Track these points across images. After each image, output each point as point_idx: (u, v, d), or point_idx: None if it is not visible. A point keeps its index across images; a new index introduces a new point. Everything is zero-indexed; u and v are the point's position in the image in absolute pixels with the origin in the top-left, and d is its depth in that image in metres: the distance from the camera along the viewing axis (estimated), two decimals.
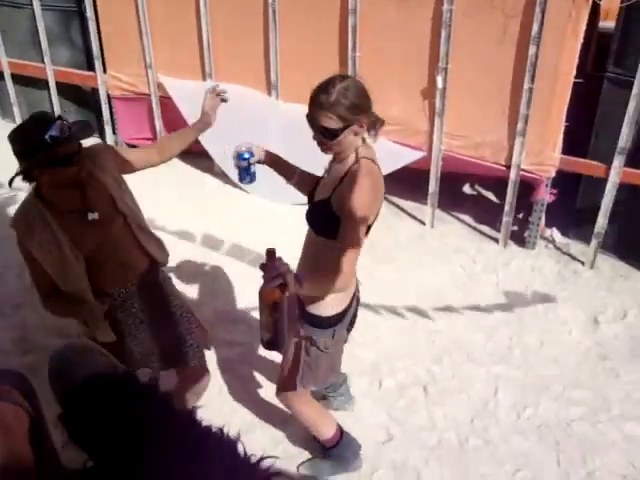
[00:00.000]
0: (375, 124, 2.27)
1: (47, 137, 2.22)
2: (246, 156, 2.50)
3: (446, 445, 3.09)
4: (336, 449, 2.83)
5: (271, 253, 1.98)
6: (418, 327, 3.85)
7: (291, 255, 3.97)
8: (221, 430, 0.81)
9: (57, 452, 1.43)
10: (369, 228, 2.32)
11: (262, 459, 0.80)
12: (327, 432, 2.80)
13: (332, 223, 2.23)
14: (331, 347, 2.48)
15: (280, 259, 1.98)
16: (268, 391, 3.34)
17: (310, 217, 2.41)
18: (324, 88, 2.16)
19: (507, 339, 3.78)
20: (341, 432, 2.84)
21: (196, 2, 4.92)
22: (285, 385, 2.66)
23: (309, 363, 2.51)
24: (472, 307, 4.02)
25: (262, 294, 1.98)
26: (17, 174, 2.34)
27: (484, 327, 3.87)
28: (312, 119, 2.19)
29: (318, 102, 2.15)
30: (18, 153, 2.34)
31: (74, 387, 0.98)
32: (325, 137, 2.18)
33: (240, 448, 0.80)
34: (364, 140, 2.28)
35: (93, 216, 2.44)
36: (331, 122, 2.14)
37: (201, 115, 2.80)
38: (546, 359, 3.63)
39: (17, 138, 2.34)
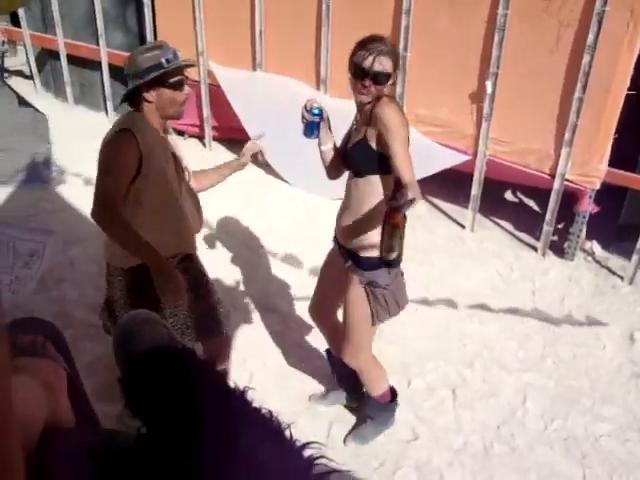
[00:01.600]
0: (395, 80, 2.60)
1: (163, 60, 2.41)
2: (317, 112, 2.60)
3: (471, 449, 3.10)
4: (385, 407, 3.04)
5: (398, 183, 2.15)
6: (451, 329, 3.85)
7: (325, 242, 4.00)
8: (270, 413, 0.84)
9: (94, 410, 1.47)
10: None
11: (308, 444, 0.83)
12: (384, 387, 3.01)
13: (372, 158, 2.48)
14: (391, 282, 2.64)
15: (405, 187, 2.10)
16: (297, 382, 3.39)
17: (350, 160, 2.61)
18: (378, 39, 2.42)
19: (540, 348, 3.75)
20: (392, 390, 3.06)
21: None
22: (354, 342, 2.81)
23: (379, 302, 2.66)
24: (507, 313, 4.01)
25: (392, 219, 2.10)
26: (129, 91, 2.47)
27: (517, 334, 3.85)
28: (365, 65, 2.38)
29: (376, 48, 2.38)
30: (133, 74, 2.45)
31: (136, 355, 1.02)
32: (377, 82, 2.40)
33: (288, 432, 0.83)
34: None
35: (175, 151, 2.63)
36: (388, 66, 2.40)
37: (240, 156, 2.99)
38: (578, 372, 3.61)
39: (134, 60, 2.45)
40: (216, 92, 5.47)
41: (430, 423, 3.22)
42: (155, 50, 2.46)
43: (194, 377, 0.89)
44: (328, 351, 3.19)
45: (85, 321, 3.51)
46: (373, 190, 2.52)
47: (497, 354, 3.68)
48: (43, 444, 0.95)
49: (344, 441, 3.11)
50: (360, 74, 2.41)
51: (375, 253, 2.45)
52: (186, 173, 2.74)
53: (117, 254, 2.58)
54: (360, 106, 2.56)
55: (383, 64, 2.39)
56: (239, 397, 0.84)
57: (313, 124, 2.62)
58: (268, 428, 0.81)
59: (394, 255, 2.21)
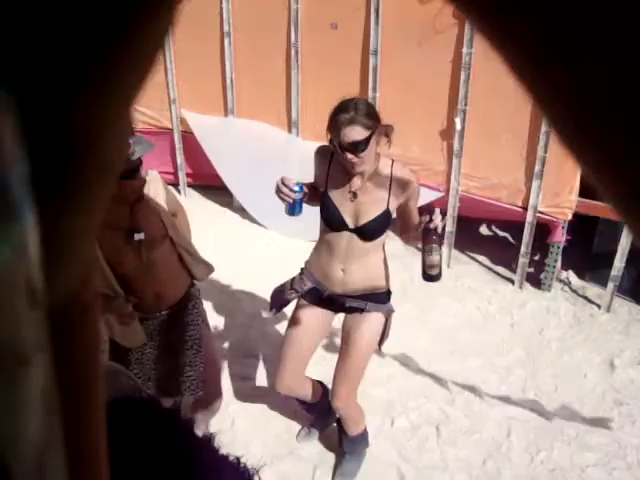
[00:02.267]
0: (388, 131, 2.48)
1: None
2: (299, 189, 2.52)
3: None
4: (364, 436, 3.07)
5: (431, 209, 2.42)
6: (432, 367, 3.83)
7: None
8: (238, 460, 0.83)
9: None
10: None
11: None
12: (363, 423, 3.06)
13: (387, 222, 2.60)
14: None
15: (437, 210, 2.41)
16: (278, 426, 3.35)
17: (367, 233, 2.60)
18: (341, 109, 2.38)
19: (521, 381, 3.75)
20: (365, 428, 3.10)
21: (221, 40, 5.05)
22: (355, 383, 2.87)
23: (388, 331, 2.87)
24: (486, 348, 4.01)
25: (430, 239, 2.46)
26: None
27: (498, 368, 3.85)
28: (339, 140, 2.35)
29: (340, 121, 2.33)
30: None
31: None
32: (356, 151, 2.35)
33: (257, 479, 0.82)
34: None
35: (139, 237, 2.47)
36: (360, 133, 2.32)
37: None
38: (560, 402, 3.60)
39: None
40: (189, 139, 5.51)
41: (415, 462, 3.19)
42: None
43: (159, 426, 0.87)
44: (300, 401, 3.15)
45: None
46: (376, 246, 2.67)
47: (479, 389, 3.67)
48: None
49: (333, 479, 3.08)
50: (341, 151, 2.38)
51: (388, 285, 2.79)
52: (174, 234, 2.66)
53: None
54: (362, 174, 2.52)
55: (354, 135, 2.33)
56: (206, 444, 0.83)
57: (297, 202, 2.54)
58: (236, 475, 0.80)
59: (436, 271, 2.52)
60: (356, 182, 2.54)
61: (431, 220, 2.39)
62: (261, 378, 3.70)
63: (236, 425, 3.32)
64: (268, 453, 3.16)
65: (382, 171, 2.53)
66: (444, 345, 4.02)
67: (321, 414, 3.14)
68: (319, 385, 3.08)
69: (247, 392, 3.57)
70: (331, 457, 3.20)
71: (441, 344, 4.02)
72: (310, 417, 3.26)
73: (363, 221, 2.57)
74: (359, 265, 2.66)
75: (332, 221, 2.61)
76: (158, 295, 2.64)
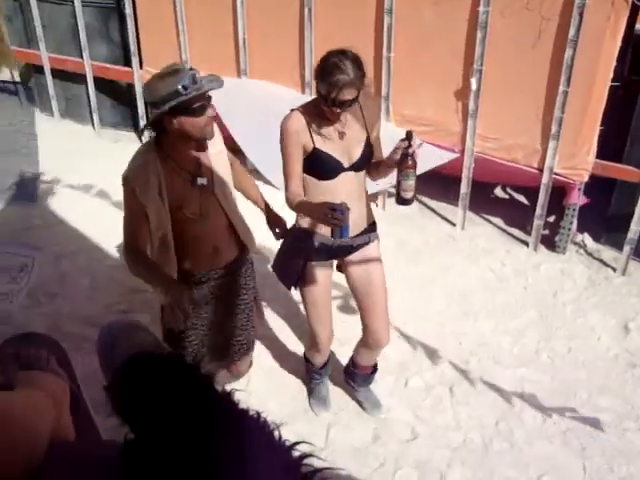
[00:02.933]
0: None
1: (179, 86, 2.27)
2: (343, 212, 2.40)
3: (470, 446, 3.09)
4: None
5: (409, 134, 2.46)
6: (445, 328, 3.84)
7: None
8: (258, 414, 0.84)
9: (94, 423, 1.47)
10: None
11: (297, 444, 0.82)
12: None
13: (371, 152, 2.69)
14: None
15: (414, 140, 2.47)
16: (293, 386, 3.38)
17: (361, 164, 2.68)
18: (339, 67, 2.42)
19: (535, 343, 3.76)
20: None
21: (233, 0, 4.97)
22: (387, 315, 2.97)
23: None
24: (500, 310, 4.01)
25: (406, 164, 2.48)
26: (150, 121, 2.43)
27: (512, 330, 3.85)
28: (334, 97, 2.44)
29: (340, 81, 2.40)
30: (151, 102, 2.37)
31: (121, 361, 1.02)
32: (346, 107, 2.48)
33: (277, 433, 0.83)
34: None
35: (202, 181, 2.53)
36: (353, 94, 2.44)
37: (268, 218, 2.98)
38: (574, 364, 3.61)
39: (151, 88, 2.38)
40: None
41: (429, 421, 3.22)
42: (171, 76, 2.33)
43: (179, 381, 0.88)
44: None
45: (78, 335, 3.50)
46: (364, 174, 2.76)
47: (492, 350, 3.68)
48: (48, 456, 0.94)
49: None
50: (333, 105, 2.47)
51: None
52: (222, 188, 2.66)
53: None
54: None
55: (348, 96, 2.43)
56: (226, 399, 0.84)
57: (345, 226, 2.43)
58: (256, 429, 0.81)
59: (410, 194, 2.56)
60: (340, 121, 2.61)
61: (410, 145, 2.45)
62: (275, 338, 3.73)
63: (251, 385, 3.36)
64: (283, 412, 3.20)
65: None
66: (458, 306, 4.02)
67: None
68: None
69: (261, 352, 3.60)
70: (345, 417, 3.24)
71: (455, 305, 4.03)
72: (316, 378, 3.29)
73: (355, 156, 2.65)
74: (359, 201, 2.74)
75: (330, 169, 2.65)
76: (216, 249, 2.68)
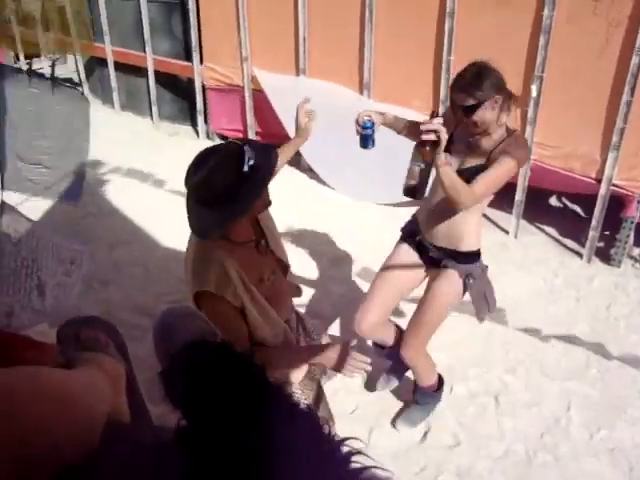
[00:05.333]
0: (509, 99, 2.58)
1: (246, 167, 1.93)
2: (369, 125, 2.64)
3: (513, 457, 3.05)
4: (435, 393, 3.18)
5: (434, 113, 2.37)
6: (494, 336, 3.80)
7: (371, 247, 3.99)
8: (309, 408, 0.85)
9: (147, 409, 1.51)
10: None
11: (346, 440, 0.83)
12: (434, 378, 3.14)
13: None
14: (485, 276, 2.89)
15: (440, 120, 2.32)
16: (336, 385, 3.39)
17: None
18: (460, 74, 2.55)
19: (584, 356, 3.68)
20: (440, 380, 3.19)
21: None
22: (424, 337, 2.96)
23: (479, 296, 2.87)
24: (550, 320, 3.94)
25: (417, 145, 2.37)
26: (224, 225, 2.03)
27: (561, 342, 3.78)
28: (452, 102, 2.54)
29: (457, 86, 2.51)
30: (213, 201, 1.96)
31: (177, 348, 1.04)
32: (465, 114, 2.49)
33: (325, 428, 0.84)
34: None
35: (263, 243, 2.35)
36: (468, 100, 2.46)
37: (298, 130, 2.70)
38: (624, 380, 3.52)
39: (209, 186, 1.96)
40: (260, 98, 5.52)
41: (472, 430, 3.19)
42: (230, 166, 1.95)
43: (232, 370, 0.90)
44: (378, 345, 3.30)
45: (129, 322, 3.57)
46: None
47: (540, 361, 3.62)
48: (104, 436, 0.97)
49: (392, 423, 3.21)
50: (454, 112, 2.57)
51: (471, 247, 2.77)
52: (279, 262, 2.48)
53: None
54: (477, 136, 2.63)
55: (460, 99, 2.48)
56: (277, 391, 0.85)
57: (367, 137, 2.67)
58: (306, 423, 0.82)
59: (412, 182, 2.42)
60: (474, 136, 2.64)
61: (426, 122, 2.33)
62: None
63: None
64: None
65: (499, 133, 2.60)
66: (507, 314, 3.97)
67: (400, 361, 3.18)
68: (399, 330, 3.18)
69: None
70: (387, 420, 3.23)
71: (504, 313, 3.98)
72: (387, 363, 3.31)
73: (461, 167, 2.63)
74: (444, 216, 2.72)
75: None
76: (287, 322, 2.49)
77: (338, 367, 2.16)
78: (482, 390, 3.42)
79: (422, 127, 2.32)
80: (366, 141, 2.70)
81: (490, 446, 3.10)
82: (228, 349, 0.96)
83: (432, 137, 2.30)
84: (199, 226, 2.04)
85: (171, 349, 1.06)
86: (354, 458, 0.78)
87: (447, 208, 2.64)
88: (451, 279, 2.80)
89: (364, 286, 4.20)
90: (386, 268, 3.00)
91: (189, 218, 2.05)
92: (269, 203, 2.19)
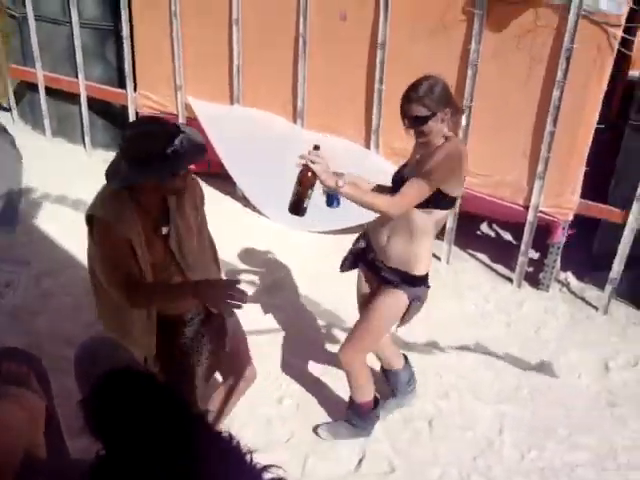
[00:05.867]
0: (457, 113, 2.79)
1: (169, 151, 2.15)
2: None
3: None
4: (365, 415, 3.19)
5: (316, 147, 2.56)
6: (426, 361, 3.84)
7: (306, 275, 4.02)
8: (231, 436, 0.84)
9: (65, 442, 1.46)
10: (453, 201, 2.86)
11: (268, 467, 0.83)
12: (367, 396, 3.15)
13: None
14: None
15: (319, 155, 2.52)
16: (270, 412, 3.36)
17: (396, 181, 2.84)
18: (413, 85, 2.65)
19: (515, 379, 3.76)
20: (374, 403, 3.19)
21: (229, 28, 5.03)
22: (363, 344, 3.04)
23: (410, 315, 2.99)
24: (482, 345, 4.02)
25: (300, 171, 2.54)
26: (132, 180, 2.25)
27: (493, 366, 3.86)
28: (404, 112, 2.66)
29: (409, 97, 2.63)
30: (132, 158, 2.21)
31: (97, 377, 1.02)
32: (415, 124, 2.64)
33: (248, 457, 0.83)
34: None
35: (165, 231, 2.45)
36: (421, 111, 2.60)
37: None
38: (554, 402, 3.62)
39: (136, 144, 2.23)
40: (194, 126, 5.49)
41: (407, 455, 3.21)
42: (160, 137, 2.20)
43: (155, 400, 0.88)
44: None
45: (57, 354, 3.46)
46: (424, 221, 2.76)
47: (473, 385, 3.68)
48: (22, 471, 0.94)
49: (314, 429, 3.29)
50: (404, 121, 2.69)
51: (422, 272, 2.86)
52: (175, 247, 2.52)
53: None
54: (420, 146, 2.82)
55: (414, 110, 2.61)
56: (199, 419, 0.84)
57: (332, 196, 2.78)
58: (228, 450, 0.81)
59: (291, 199, 2.60)
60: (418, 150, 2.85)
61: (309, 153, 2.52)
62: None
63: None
64: (261, 440, 3.17)
65: (437, 143, 2.74)
66: (439, 339, 4.03)
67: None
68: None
69: None
70: (322, 447, 3.22)
71: (436, 338, 4.03)
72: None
73: (410, 175, 2.73)
74: (398, 235, 2.81)
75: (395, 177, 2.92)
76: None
77: (215, 303, 2.36)
78: (416, 415, 3.45)
79: (300, 157, 2.51)
80: (331, 200, 2.81)
81: (425, 471, 3.13)
82: (150, 379, 0.95)
83: (307, 168, 2.50)
84: (111, 170, 2.30)
85: (92, 378, 1.03)
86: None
87: (399, 232, 2.79)
88: (400, 298, 2.90)
89: (297, 314, 4.21)
90: (360, 304, 3.19)
91: (110, 163, 2.32)
92: (178, 190, 2.36)
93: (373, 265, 2.98)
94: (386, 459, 3.17)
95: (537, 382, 3.75)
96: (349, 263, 3.15)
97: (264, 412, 3.40)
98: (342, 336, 3.57)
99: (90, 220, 2.36)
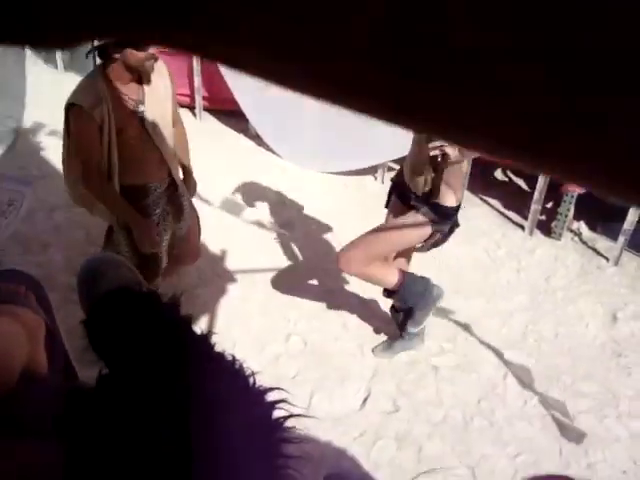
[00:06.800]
0: None
1: None
2: None
3: (451, 422, 3.12)
4: (405, 286, 3.16)
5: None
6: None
7: (316, 215, 3.99)
8: (234, 357, 0.84)
9: (70, 361, 1.48)
10: None
11: (271, 389, 0.83)
12: (393, 279, 3.14)
13: None
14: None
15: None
16: (278, 349, 3.40)
17: None
18: None
19: (522, 326, 3.78)
20: (404, 273, 3.19)
21: None
22: (378, 253, 3.07)
23: (427, 246, 3.18)
24: (490, 291, 4.03)
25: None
26: (96, 47, 2.62)
27: (500, 312, 3.87)
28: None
29: None
30: None
31: (100, 296, 1.02)
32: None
33: (251, 379, 0.83)
34: None
35: (143, 108, 2.70)
36: None
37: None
38: (560, 350, 3.63)
39: None
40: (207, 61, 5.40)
41: (411, 396, 3.24)
42: None
43: (156, 318, 0.88)
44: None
45: (69, 285, 3.49)
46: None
47: (479, 330, 3.70)
48: (18, 388, 0.94)
49: (373, 351, 3.41)
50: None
51: (452, 203, 2.92)
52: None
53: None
54: None
55: None
56: (202, 339, 0.84)
57: None
58: (230, 371, 0.81)
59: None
60: None
61: None
62: (262, 300, 3.74)
63: (237, 348, 3.37)
64: (267, 376, 3.21)
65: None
66: (449, 283, 4.02)
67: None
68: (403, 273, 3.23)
69: (248, 314, 3.62)
70: (328, 384, 3.26)
71: (446, 282, 4.03)
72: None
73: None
74: (423, 172, 2.87)
75: None
76: (161, 160, 2.86)
77: (140, 239, 2.82)
78: (422, 357, 3.48)
79: (430, 146, 2.59)
80: None
81: (428, 412, 3.17)
82: (151, 297, 0.95)
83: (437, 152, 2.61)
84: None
85: (94, 297, 1.04)
86: (279, 405, 0.79)
87: (426, 165, 2.83)
88: (423, 226, 2.95)
89: (308, 252, 4.22)
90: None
91: None
92: (145, 69, 2.62)
93: (404, 195, 3.02)
94: (391, 399, 3.21)
95: (543, 329, 3.76)
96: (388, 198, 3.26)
97: (272, 349, 3.44)
98: None
99: (67, 109, 2.61)
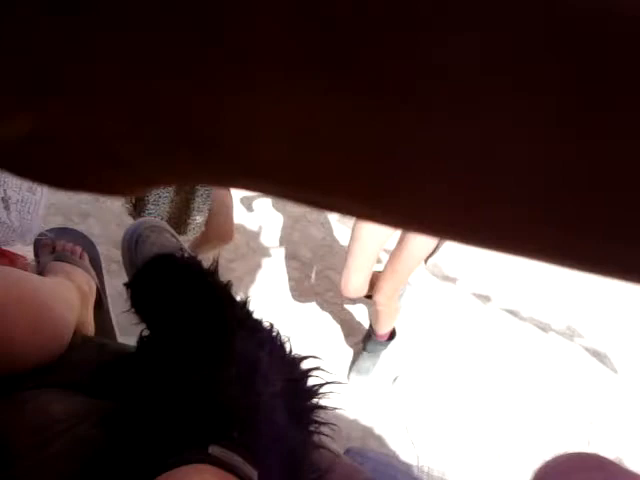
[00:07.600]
0: None
1: None
2: None
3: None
4: (389, 340, 3.19)
5: None
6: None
7: None
8: (272, 325, 0.85)
9: (114, 329, 1.51)
10: None
11: (306, 357, 0.83)
12: (392, 326, 3.17)
13: None
14: None
15: None
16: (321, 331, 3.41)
17: None
18: None
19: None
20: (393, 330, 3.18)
21: None
22: (404, 281, 2.98)
23: (440, 246, 2.93)
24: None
25: None
26: None
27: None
28: None
29: None
30: None
31: (144, 260, 1.03)
32: None
33: (287, 346, 0.83)
34: None
35: None
36: None
37: None
38: None
39: None
40: None
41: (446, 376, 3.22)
42: None
43: (198, 284, 0.89)
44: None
45: (107, 256, 3.51)
46: None
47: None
48: (73, 344, 0.96)
49: (347, 376, 3.23)
50: None
51: None
52: None
53: None
54: None
55: None
56: (241, 306, 0.84)
57: None
58: (268, 337, 0.82)
59: None
60: None
61: None
62: (302, 280, 3.74)
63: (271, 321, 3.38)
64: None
65: None
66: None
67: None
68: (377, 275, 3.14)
69: (287, 296, 3.63)
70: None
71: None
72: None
73: None
74: None
75: None
76: None
77: None
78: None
79: None
80: None
81: (464, 391, 3.15)
82: (194, 263, 0.95)
83: None
84: None
85: (138, 261, 1.05)
86: (313, 372, 0.79)
87: None
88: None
89: (343, 230, 4.20)
90: (358, 226, 2.89)
91: None
92: None
93: None
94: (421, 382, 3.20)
95: None
96: None
97: (307, 324, 3.45)
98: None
99: None
